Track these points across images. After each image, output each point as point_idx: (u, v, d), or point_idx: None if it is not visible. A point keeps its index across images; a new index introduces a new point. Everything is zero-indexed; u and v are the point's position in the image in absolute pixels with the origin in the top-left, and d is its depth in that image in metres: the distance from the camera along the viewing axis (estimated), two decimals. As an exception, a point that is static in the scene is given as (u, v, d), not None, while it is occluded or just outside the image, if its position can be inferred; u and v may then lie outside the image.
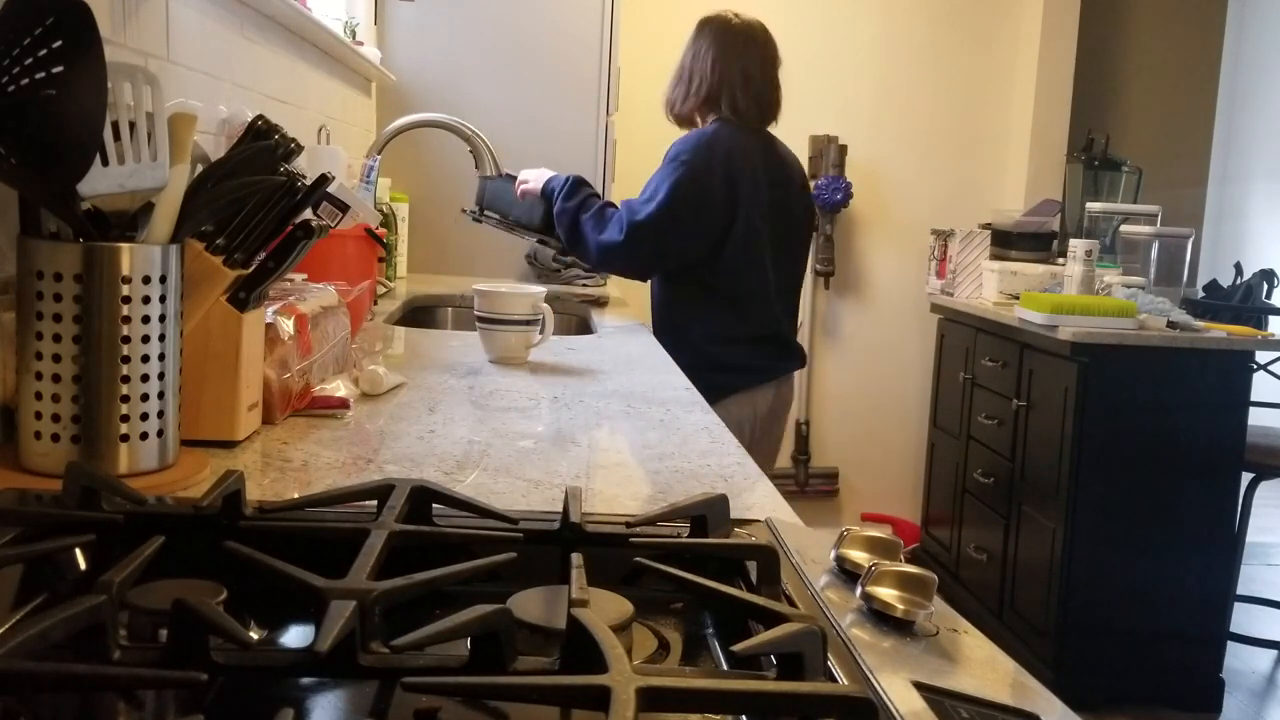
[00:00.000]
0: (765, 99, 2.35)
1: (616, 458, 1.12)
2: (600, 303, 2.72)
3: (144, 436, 0.89)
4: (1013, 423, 3.26)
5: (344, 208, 1.64)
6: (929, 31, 4.12)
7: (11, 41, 0.80)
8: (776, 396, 2.46)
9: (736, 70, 2.32)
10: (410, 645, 0.52)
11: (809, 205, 2.58)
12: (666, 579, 0.64)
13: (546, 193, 2.35)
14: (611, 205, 2.33)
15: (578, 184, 2.35)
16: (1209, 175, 4.63)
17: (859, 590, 0.67)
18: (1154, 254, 3.20)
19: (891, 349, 4.23)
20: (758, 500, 0.99)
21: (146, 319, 0.88)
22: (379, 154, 2.42)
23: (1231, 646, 3.15)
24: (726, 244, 2.28)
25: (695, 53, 2.36)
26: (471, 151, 2.47)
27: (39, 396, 0.87)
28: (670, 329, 2.35)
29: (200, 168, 1.00)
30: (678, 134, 2.40)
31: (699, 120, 2.37)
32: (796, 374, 2.56)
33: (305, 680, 0.55)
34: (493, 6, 3.10)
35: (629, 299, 2.84)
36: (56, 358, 0.86)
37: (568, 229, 2.30)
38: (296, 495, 0.88)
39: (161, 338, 0.90)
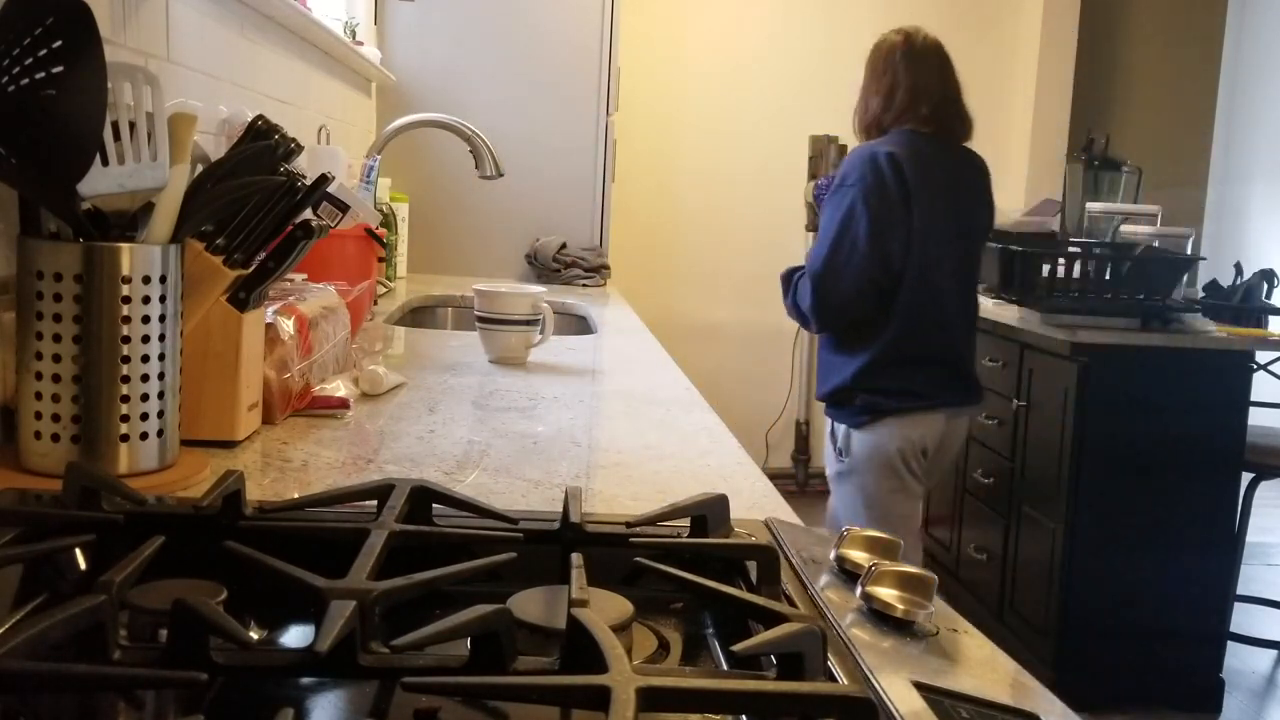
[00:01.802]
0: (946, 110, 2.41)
1: (616, 458, 1.12)
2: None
3: (144, 436, 0.89)
4: (1013, 423, 3.26)
5: (344, 208, 1.64)
6: (929, 31, 4.12)
7: (11, 41, 0.80)
8: (948, 430, 2.34)
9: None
10: (410, 645, 0.52)
11: (987, 223, 2.53)
12: (666, 579, 0.64)
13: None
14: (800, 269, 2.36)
15: (786, 278, 2.39)
16: (1209, 175, 4.63)
17: (859, 590, 0.67)
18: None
19: (891, 349, 4.22)
20: (758, 500, 0.99)
21: (146, 319, 0.88)
22: (379, 154, 2.42)
23: (1231, 646, 3.15)
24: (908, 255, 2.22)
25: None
26: (471, 151, 2.46)
27: (39, 396, 0.87)
28: (834, 344, 2.34)
29: (200, 168, 1.00)
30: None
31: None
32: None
33: (305, 680, 0.55)
34: (493, 6, 3.10)
35: (628, 300, 2.84)
36: (56, 358, 0.86)
37: (800, 317, 2.35)
38: (296, 495, 0.88)
39: (161, 338, 0.90)
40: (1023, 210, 3.53)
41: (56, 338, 0.86)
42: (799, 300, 2.31)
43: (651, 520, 0.76)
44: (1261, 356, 3.09)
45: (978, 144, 4.36)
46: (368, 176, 2.28)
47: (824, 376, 2.38)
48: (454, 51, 3.10)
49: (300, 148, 1.11)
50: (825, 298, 2.24)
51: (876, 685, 0.55)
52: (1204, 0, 4.46)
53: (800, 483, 4.16)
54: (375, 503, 0.74)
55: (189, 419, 0.99)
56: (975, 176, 2.45)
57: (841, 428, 2.35)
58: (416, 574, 0.60)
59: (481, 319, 1.69)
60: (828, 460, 2.41)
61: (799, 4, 4.07)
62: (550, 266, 3.04)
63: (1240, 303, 3.38)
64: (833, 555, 0.74)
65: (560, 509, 0.76)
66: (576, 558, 0.64)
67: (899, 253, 2.22)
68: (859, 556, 0.72)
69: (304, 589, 0.57)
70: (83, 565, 0.68)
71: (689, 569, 0.65)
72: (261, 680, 0.54)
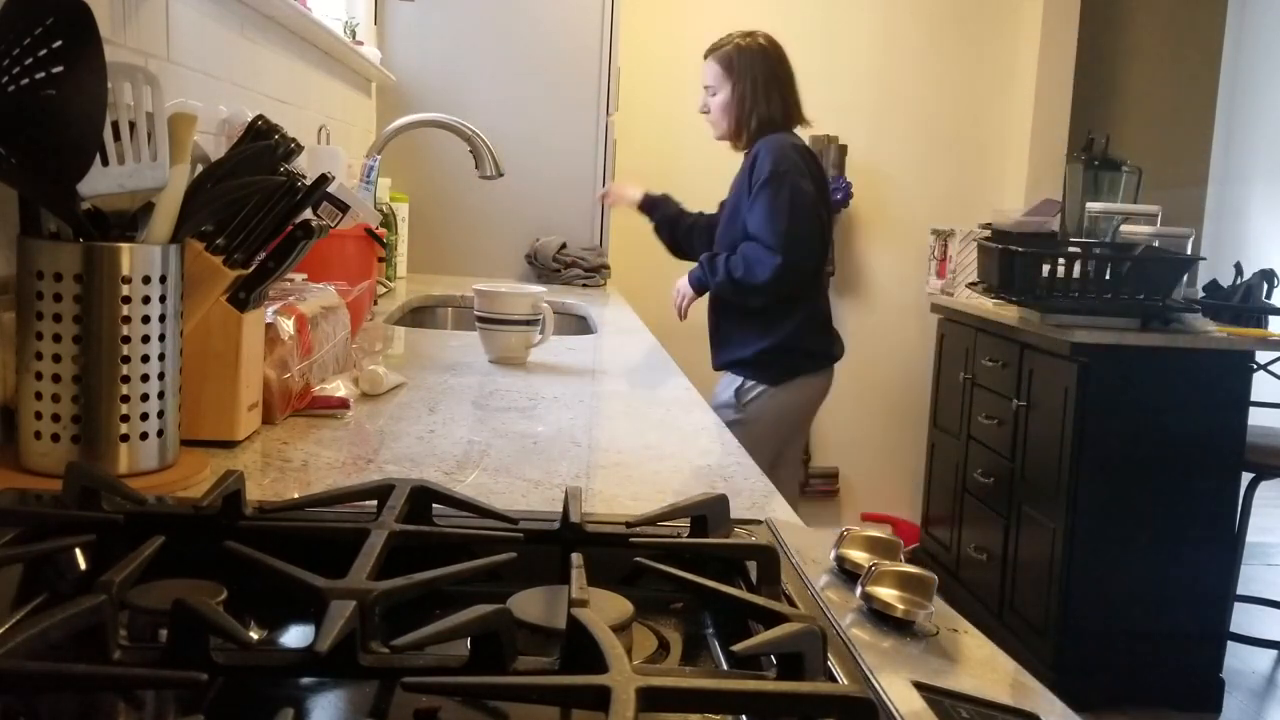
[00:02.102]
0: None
1: (616, 458, 1.12)
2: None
3: (144, 436, 0.89)
4: (1013, 423, 3.26)
5: (344, 208, 1.64)
6: (929, 32, 4.12)
7: (11, 41, 0.80)
8: (828, 384, 2.73)
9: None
10: (410, 645, 0.52)
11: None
12: (666, 579, 0.64)
13: (700, 288, 2.63)
14: (732, 254, 2.56)
15: (709, 260, 2.60)
16: (1209, 175, 4.63)
17: (859, 590, 0.67)
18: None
19: (891, 349, 4.22)
20: (758, 500, 0.99)
21: (146, 319, 0.88)
22: (379, 154, 2.42)
23: (1231, 646, 3.15)
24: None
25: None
26: (471, 151, 2.46)
27: (39, 396, 0.87)
28: (758, 313, 2.57)
29: (200, 168, 1.00)
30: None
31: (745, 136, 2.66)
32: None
33: (305, 680, 0.55)
34: (493, 6, 3.10)
35: (628, 300, 2.84)
36: (56, 358, 0.86)
37: (734, 294, 2.56)
38: (296, 495, 0.88)
39: (161, 338, 0.90)
40: (1023, 210, 3.52)
41: (56, 338, 0.86)
42: (747, 276, 2.50)
43: (651, 520, 0.76)
44: (1261, 356, 3.09)
45: (978, 144, 4.36)
46: (368, 176, 2.28)
47: (740, 342, 2.62)
48: (454, 51, 3.10)
49: (300, 148, 1.11)
50: (795, 267, 2.48)
51: (876, 685, 0.55)
52: (1204, 0, 4.46)
53: (800, 483, 4.15)
54: (375, 503, 0.74)
55: (189, 419, 0.99)
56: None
57: (758, 386, 2.61)
58: (416, 574, 0.60)
59: (481, 319, 1.69)
60: (719, 409, 2.55)
61: (799, 4, 4.07)
62: (550, 266, 3.04)
63: (1240, 303, 3.38)
64: (833, 555, 0.74)
65: (560, 509, 0.76)
66: (576, 558, 0.64)
67: (828, 227, 2.66)
68: (859, 556, 0.72)
69: (304, 589, 0.57)
70: (83, 565, 0.68)
71: (689, 569, 0.65)
72: (261, 680, 0.54)
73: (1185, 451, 2.96)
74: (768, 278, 2.48)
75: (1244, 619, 3.35)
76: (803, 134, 2.68)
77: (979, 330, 3.55)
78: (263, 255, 1.06)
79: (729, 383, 2.65)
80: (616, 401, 1.43)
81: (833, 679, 0.55)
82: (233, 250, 1.03)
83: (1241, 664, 3.34)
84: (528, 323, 1.68)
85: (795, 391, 2.63)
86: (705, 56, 2.69)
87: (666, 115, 3.88)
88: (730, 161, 4.10)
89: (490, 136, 2.47)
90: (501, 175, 2.49)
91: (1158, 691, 3.04)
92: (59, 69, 0.81)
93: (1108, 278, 3.04)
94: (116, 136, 0.90)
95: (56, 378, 0.86)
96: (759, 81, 2.63)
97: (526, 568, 0.67)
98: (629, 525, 0.75)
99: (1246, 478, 3.10)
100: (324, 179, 1.08)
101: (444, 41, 3.10)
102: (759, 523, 0.83)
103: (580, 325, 2.44)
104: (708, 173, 4.11)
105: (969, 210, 4.06)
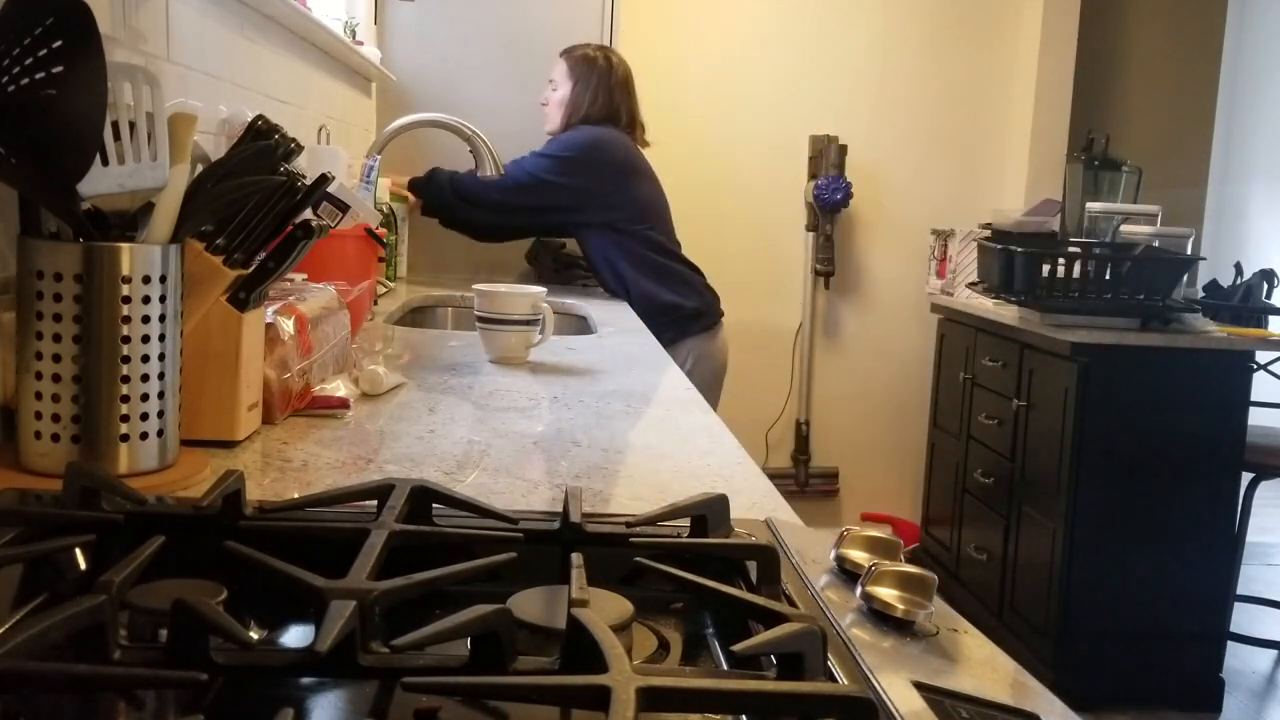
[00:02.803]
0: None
1: (616, 458, 1.12)
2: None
3: (144, 436, 0.89)
4: (1013, 423, 3.26)
5: (344, 208, 1.64)
6: (929, 31, 4.12)
7: (11, 41, 0.80)
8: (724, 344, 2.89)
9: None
10: (410, 645, 0.52)
11: None
12: (666, 579, 0.64)
13: (420, 190, 2.76)
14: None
15: (431, 174, 2.76)
16: (1209, 175, 4.63)
17: (859, 590, 0.67)
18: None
19: (891, 349, 4.22)
20: (758, 500, 0.99)
21: (146, 319, 0.88)
22: (379, 154, 2.42)
23: (1231, 646, 3.15)
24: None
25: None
26: (471, 151, 2.46)
27: (39, 396, 0.87)
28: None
29: (200, 168, 1.00)
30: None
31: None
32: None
33: (305, 680, 0.55)
34: (493, 6, 3.10)
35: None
36: (56, 358, 0.86)
37: (452, 201, 2.73)
38: (296, 495, 0.88)
39: (161, 338, 0.90)
40: (1023, 210, 3.52)
41: (56, 338, 0.86)
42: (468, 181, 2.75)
43: (651, 520, 0.76)
44: (1261, 356, 3.09)
45: (978, 144, 4.36)
46: (368, 176, 2.28)
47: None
48: (454, 51, 3.10)
49: (300, 148, 1.11)
50: (496, 203, 2.78)
51: (876, 685, 0.55)
52: (1204, 0, 4.46)
53: (800, 483, 4.15)
54: (375, 503, 0.74)
55: (189, 419, 0.99)
56: None
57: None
58: (416, 574, 0.60)
59: (481, 319, 1.69)
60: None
61: (799, 4, 4.07)
62: (550, 266, 3.04)
63: (1240, 303, 3.38)
64: (833, 555, 0.74)
65: (560, 509, 0.76)
66: (576, 558, 0.64)
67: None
68: (859, 556, 0.72)
69: (304, 589, 0.57)
70: (83, 565, 0.68)
71: (689, 569, 0.65)
72: (261, 680, 0.54)
73: (1185, 451, 2.96)
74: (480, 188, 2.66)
75: (1244, 619, 3.35)
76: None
77: (979, 330, 3.55)
78: (263, 255, 1.06)
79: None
80: (616, 401, 1.43)
81: (833, 679, 0.55)
82: (233, 250, 1.03)
83: (1241, 664, 3.34)
84: (528, 323, 1.68)
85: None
86: (560, 55, 2.84)
87: (666, 115, 3.88)
88: (730, 161, 4.11)
89: (490, 136, 2.47)
90: (502, 175, 2.48)
91: (1158, 691, 3.04)
92: (59, 69, 0.81)
93: (1108, 278, 3.04)
94: (116, 136, 0.90)
95: (56, 378, 0.86)
96: (598, 89, 2.78)
97: (526, 568, 0.67)
98: (629, 525, 0.75)
99: (1246, 478, 3.10)
100: (324, 179, 1.08)
101: (444, 41, 3.10)
102: (759, 522, 0.83)
103: (580, 325, 2.44)
104: (706, 173, 4.11)
105: (969, 210, 4.06)
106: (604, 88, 2.79)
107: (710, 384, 2.75)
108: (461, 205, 2.72)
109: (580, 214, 2.75)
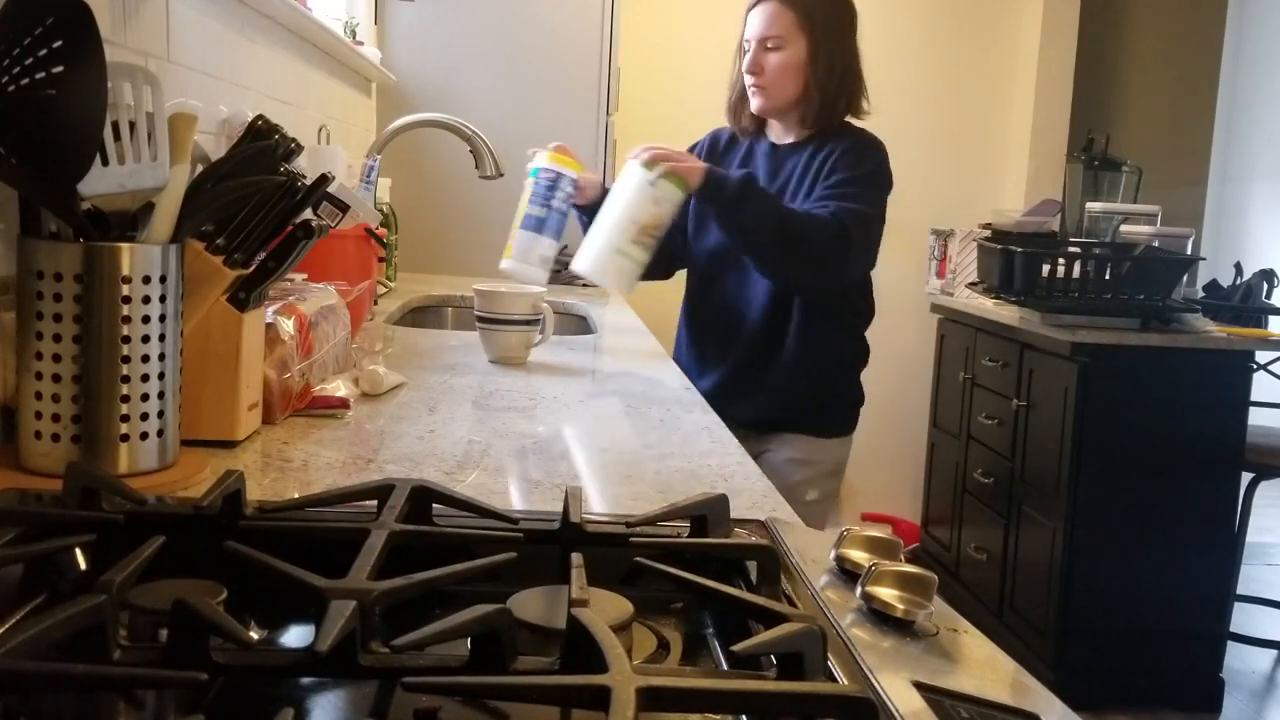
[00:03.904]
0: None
1: (616, 458, 1.12)
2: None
3: (144, 436, 0.89)
4: (1013, 423, 3.26)
5: (344, 208, 1.64)
6: (929, 31, 4.12)
7: (12, 41, 0.80)
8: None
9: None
10: (410, 645, 0.52)
11: None
12: (666, 579, 0.64)
13: (716, 182, 1.81)
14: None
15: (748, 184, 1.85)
16: (1209, 175, 4.63)
17: (859, 590, 0.67)
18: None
19: (891, 349, 4.22)
20: (758, 500, 0.99)
21: (146, 319, 0.88)
22: (379, 154, 2.42)
23: (1231, 646, 3.15)
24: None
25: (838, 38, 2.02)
26: (471, 151, 2.46)
27: (39, 396, 0.87)
28: (799, 350, 2.01)
29: (200, 168, 1.00)
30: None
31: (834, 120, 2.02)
32: None
33: (305, 680, 0.55)
34: (493, 6, 3.10)
35: (629, 300, 2.84)
36: (56, 358, 0.86)
37: (773, 229, 1.81)
38: (296, 495, 0.88)
39: (161, 338, 0.90)
40: (1023, 210, 3.53)
41: (56, 338, 0.86)
42: (823, 234, 1.84)
43: (651, 520, 0.76)
44: (1261, 356, 3.09)
45: (978, 144, 4.35)
46: (368, 176, 2.28)
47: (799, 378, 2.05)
48: (454, 51, 3.10)
49: (300, 148, 1.11)
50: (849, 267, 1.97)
51: (876, 685, 0.55)
52: (1204, 0, 4.46)
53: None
54: (375, 503, 0.74)
55: (189, 419, 0.99)
56: None
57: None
58: (416, 574, 0.60)
59: (481, 319, 1.69)
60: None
61: (799, 4, 4.07)
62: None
63: (1240, 303, 3.38)
64: (833, 555, 0.74)
65: (560, 509, 0.76)
66: (576, 558, 0.64)
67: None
68: (859, 556, 0.72)
69: (304, 589, 0.57)
70: (83, 565, 0.68)
71: (689, 569, 0.65)
72: (261, 680, 0.54)
73: (1185, 451, 2.96)
74: (841, 256, 1.86)
75: (1244, 619, 3.35)
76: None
77: (979, 330, 3.55)
78: (263, 255, 1.06)
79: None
80: (616, 401, 1.43)
81: (833, 679, 0.55)
82: (233, 250, 1.03)
83: (1241, 664, 3.34)
84: (528, 323, 1.68)
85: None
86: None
87: (666, 115, 3.88)
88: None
89: (490, 136, 2.47)
90: (501, 175, 2.49)
91: (1158, 691, 3.04)
92: (59, 69, 0.81)
93: (1108, 278, 3.04)
94: (116, 136, 0.90)
95: (56, 378, 0.86)
96: (851, 48, 2.04)
97: (526, 568, 0.67)
98: (629, 525, 0.75)
99: (1246, 478, 3.10)
100: (324, 179, 1.08)
101: (444, 41, 3.10)
102: (759, 523, 0.83)
103: (580, 325, 2.44)
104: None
105: (969, 210, 4.06)
106: (855, 55, 2.05)
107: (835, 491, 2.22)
108: (786, 251, 1.84)
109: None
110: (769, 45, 1.98)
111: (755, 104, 2.01)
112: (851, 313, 2.14)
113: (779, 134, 2.06)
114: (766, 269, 1.93)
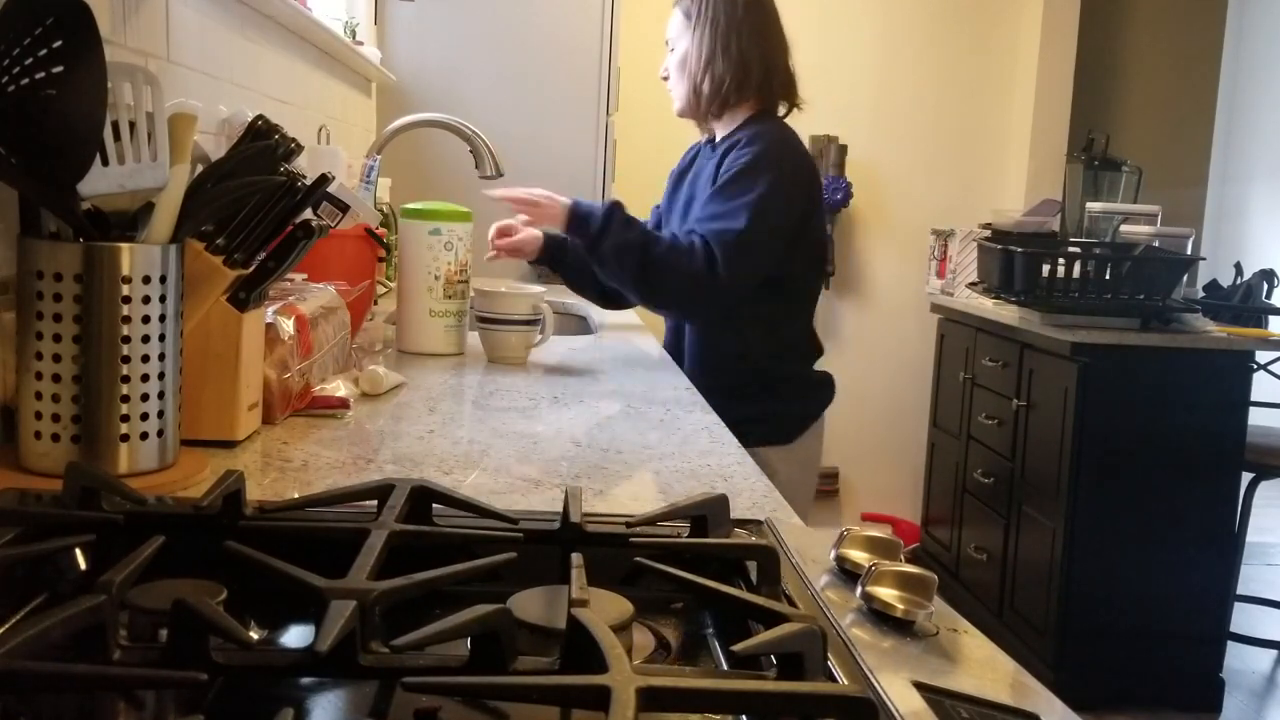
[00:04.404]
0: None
1: (616, 458, 1.12)
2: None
3: (144, 436, 0.89)
4: (1013, 423, 3.26)
5: (344, 208, 1.64)
6: (929, 31, 4.12)
7: (12, 41, 0.80)
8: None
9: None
10: (410, 645, 0.52)
11: None
12: (666, 579, 0.64)
13: (580, 218, 1.83)
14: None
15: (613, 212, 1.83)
16: (1209, 175, 4.63)
17: (859, 590, 0.67)
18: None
19: (891, 349, 4.22)
20: (758, 500, 0.99)
21: (146, 319, 0.88)
22: (379, 154, 2.42)
23: (1231, 646, 3.15)
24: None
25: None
26: (471, 151, 2.46)
27: (39, 396, 0.87)
28: (713, 344, 1.95)
29: (200, 168, 1.00)
30: (672, 134, 2.34)
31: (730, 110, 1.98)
32: None
33: (305, 680, 0.55)
34: (493, 7, 3.10)
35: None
36: (56, 358, 0.86)
37: (635, 265, 1.80)
38: (296, 495, 0.88)
39: (161, 338, 0.90)
40: (1023, 210, 3.53)
41: (56, 338, 0.86)
42: (667, 258, 1.80)
43: (651, 520, 0.76)
44: (1261, 356, 3.09)
45: (978, 144, 4.35)
46: (368, 176, 2.28)
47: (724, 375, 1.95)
48: (454, 51, 3.10)
49: (300, 148, 1.11)
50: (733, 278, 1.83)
51: (876, 685, 0.55)
52: (1204, 0, 4.46)
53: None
54: (375, 503, 0.74)
55: (189, 419, 0.99)
56: None
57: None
58: (416, 574, 0.60)
59: (481, 319, 1.69)
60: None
61: (799, 4, 4.07)
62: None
63: (1240, 303, 3.38)
64: (833, 555, 0.74)
65: (560, 509, 0.76)
66: (576, 558, 0.64)
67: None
68: (859, 556, 0.72)
69: (304, 589, 0.57)
70: (83, 565, 0.68)
71: (689, 569, 0.65)
72: (261, 680, 0.54)
73: (1185, 451, 2.96)
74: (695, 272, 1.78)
75: (1244, 619, 3.35)
76: (800, 132, 2.03)
77: (979, 330, 3.55)
78: (263, 255, 1.06)
79: None
80: (616, 401, 1.43)
81: (833, 679, 0.55)
82: (233, 250, 1.03)
83: (1241, 664, 3.34)
84: (528, 323, 1.68)
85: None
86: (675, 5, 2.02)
87: (666, 115, 3.89)
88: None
89: (490, 136, 2.46)
90: (501, 175, 2.48)
91: (1158, 691, 3.04)
92: (59, 69, 0.81)
93: (1108, 278, 3.04)
94: (116, 136, 0.90)
95: (56, 378, 0.86)
96: (734, 31, 1.92)
97: (526, 568, 0.67)
98: (629, 525, 0.75)
99: (1246, 478, 3.10)
100: (324, 179, 1.08)
101: (444, 41, 3.10)
102: (759, 523, 0.83)
103: (580, 325, 2.44)
104: (708, 173, 4.13)
105: (969, 210, 4.06)
106: (755, 35, 1.95)
107: (811, 491, 2.14)
108: (644, 280, 1.82)
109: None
110: (669, 48, 2.01)
111: (674, 108, 2.04)
112: (766, 325, 1.96)
113: (717, 134, 2.04)
114: (638, 301, 1.93)
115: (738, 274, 1.81)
